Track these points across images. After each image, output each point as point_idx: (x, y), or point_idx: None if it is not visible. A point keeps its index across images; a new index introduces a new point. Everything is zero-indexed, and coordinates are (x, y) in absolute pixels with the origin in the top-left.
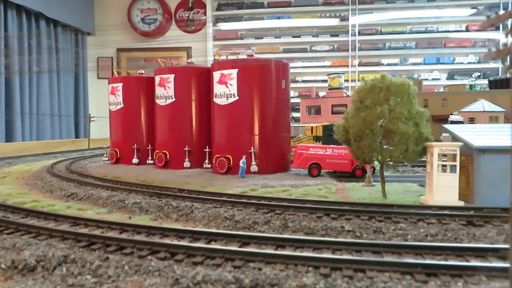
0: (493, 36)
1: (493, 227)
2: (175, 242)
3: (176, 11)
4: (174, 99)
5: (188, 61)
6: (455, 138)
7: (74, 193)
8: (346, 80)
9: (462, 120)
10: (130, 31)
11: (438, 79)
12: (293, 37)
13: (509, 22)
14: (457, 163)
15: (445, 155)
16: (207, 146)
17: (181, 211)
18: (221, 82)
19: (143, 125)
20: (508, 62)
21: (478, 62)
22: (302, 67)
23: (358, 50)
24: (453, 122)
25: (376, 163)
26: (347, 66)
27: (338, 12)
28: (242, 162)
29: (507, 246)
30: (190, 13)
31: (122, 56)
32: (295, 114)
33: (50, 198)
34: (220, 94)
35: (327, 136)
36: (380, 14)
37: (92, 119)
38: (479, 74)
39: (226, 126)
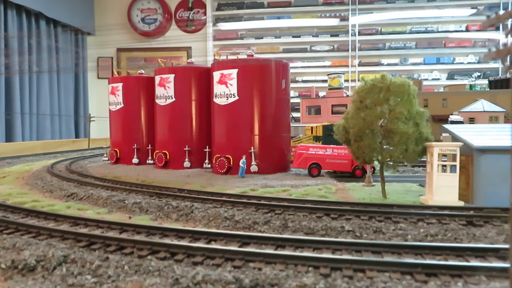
0: (493, 36)
1: (493, 227)
2: (175, 242)
3: (176, 11)
4: (174, 99)
5: (188, 61)
6: (455, 138)
7: (74, 193)
8: (346, 80)
9: (462, 120)
10: (130, 31)
11: (438, 79)
12: (293, 37)
13: (509, 22)
14: (457, 163)
15: (445, 155)
16: (207, 146)
17: (181, 211)
18: (221, 82)
19: (143, 125)
20: (508, 62)
21: (478, 62)
22: (302, 67)
23: (358, 50)
24: (453, 122)
25: (376, 163)
26: (347, 66)
27: (338, 12)
28: (242, 162)
29: (507, 246)
30: (190, 13)
31: (122, 56)
32: (295, 114)
33: (50, 198)
34: (220, 94)
35: (327, 136)
36: (380, 14)
37: (92, 119)
38: (479, 74)
39: (226, 126)
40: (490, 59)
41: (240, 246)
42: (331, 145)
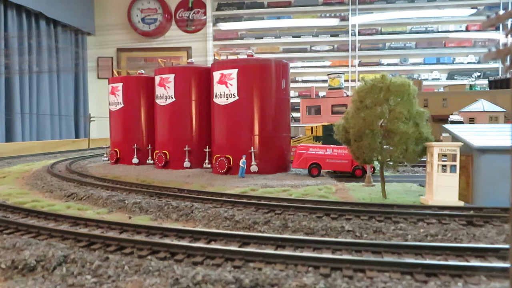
0: (493, 36)
1: (493, 227)
2: (175, 242)
3: (176, 11)
4: (174, 99)
5: (188, 61)
6: (455, 138)
7: (74, 193)
8: (346, 80)
9: (462, 120)
10: (130, 31)
11: (438, 79)
12: (293, 37)
13: (509, 22)
14: (457, 163)
15: (445, 155)
16: (207, 146)
17: (181, 211)
18: (221, 82)
19: (143, 125)
20: (508, 62)
21: (478, 62)
22: (302, 67)
23: (358, 50)
24: (453, 122)
25: (376, 163)
26: (347, 66)
27: (338, 12)
28: (242, 162)
29: (507, 246)
30: (190, 13)
31: (122, 56)
32: (295, 114)
33: (50, 198)
34: (220, 94)
35: (327, 136)
36: (380, 14)
37: (92, 119)
38: (479, 74)
39: (226, 126)
40: (490, 59)
41: (240, 246)
42: (331, 145)
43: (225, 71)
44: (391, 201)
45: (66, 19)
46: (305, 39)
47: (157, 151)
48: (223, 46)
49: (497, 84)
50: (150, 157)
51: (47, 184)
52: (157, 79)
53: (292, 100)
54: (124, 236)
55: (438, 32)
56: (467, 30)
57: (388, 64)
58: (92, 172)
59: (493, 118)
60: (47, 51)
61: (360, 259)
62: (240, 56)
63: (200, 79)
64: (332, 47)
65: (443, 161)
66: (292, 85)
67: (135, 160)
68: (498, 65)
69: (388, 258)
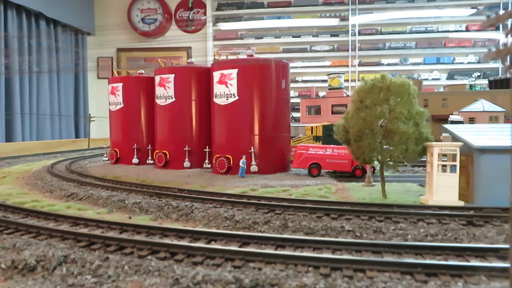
0: (493, 36)
1: (493, 227)
2: (175, 242)
3: (176, 11)
4: (174, 99)
5: (188, 61)
6: (455, 138)
7: (74, 193)
8: (346, 80)
9: (462, 120)
10: (130, 31)
11: (438, 79)
12: (293, 37)
13: (509, 22)
14: (457, 163)
15: (445, 155)
16: (207, 146)
17: (181, 211)
18: (221, 82)
19: (143, 125)
20: (508, 62)
21: (478, 62)
22: (302, 67)
23: (358, 50)
24: (453, 122)
25: (376, 163)
26: (347, 66)
27: (338, 12)
28: (242, 162)
29: (507, 246)
30: (190, 13)
31: (122, 56)
32: (295, 114)
33: (50, 198)
34: (220, 94)
35: (327, 136)
36: (380, 14)
37: (92, 119)
38: (479, 74)
39: (226, 126)
40: (490, 59)
41: (240, 246)
42: (331, 145)
43: (225, 71)
44: (391, 201)
45: (66, 19)
46: (305, 39)
47: (157, 151)
48: (223, 46)
49: (497, 84)
50: (150, 157)
51: (47, 184)
52: (157, 79)
53: (292, 100)
54: (124, 236)
55: (438, 32)
56: (467, 30)
57: (388, 64)
58: (92, 172)
59: (493, 118)
60: (47, 51)
61: (360, 259)
62: (240, 56)
63: (200, 79)
64: (332, 47)
65: (443, 161)
66: (292, 85)
67: (135, 160)
68: (498, 65)
69: (388, 258)
